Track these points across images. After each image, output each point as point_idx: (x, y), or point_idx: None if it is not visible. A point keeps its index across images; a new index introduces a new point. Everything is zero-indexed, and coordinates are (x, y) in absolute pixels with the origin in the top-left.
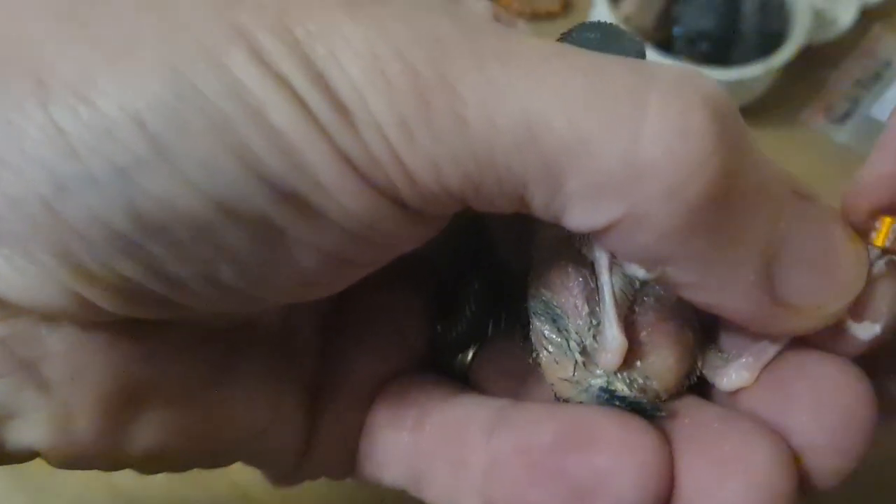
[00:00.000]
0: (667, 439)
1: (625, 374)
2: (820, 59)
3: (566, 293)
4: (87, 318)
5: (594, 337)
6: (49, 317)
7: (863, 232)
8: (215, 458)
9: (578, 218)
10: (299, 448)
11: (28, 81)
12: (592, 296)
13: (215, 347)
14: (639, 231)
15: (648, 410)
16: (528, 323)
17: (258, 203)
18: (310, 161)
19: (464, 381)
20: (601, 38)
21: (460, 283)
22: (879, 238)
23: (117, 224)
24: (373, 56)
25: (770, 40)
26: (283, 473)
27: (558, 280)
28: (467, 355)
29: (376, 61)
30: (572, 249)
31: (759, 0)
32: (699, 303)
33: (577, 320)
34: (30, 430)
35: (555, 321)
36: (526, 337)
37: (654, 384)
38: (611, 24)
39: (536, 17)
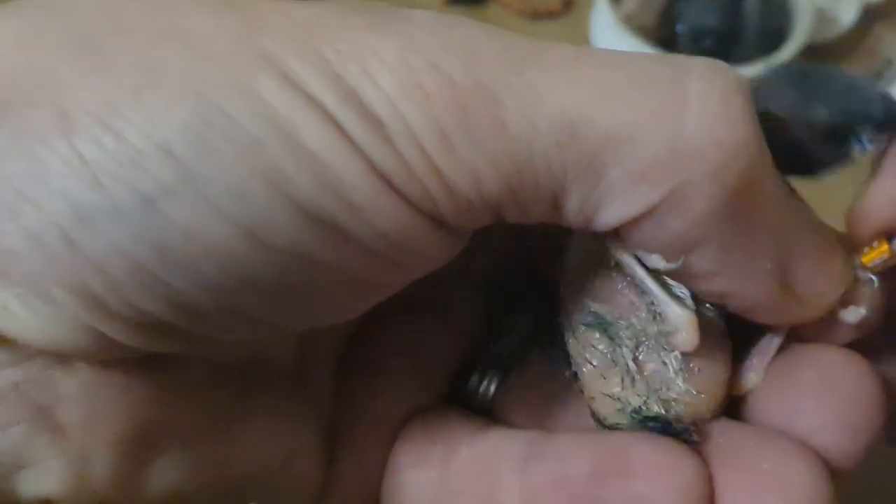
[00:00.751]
0: (704, 461)
1: (662, 398)
2: (821, 58)
3: (617, 296)
4: (103, 356)
5: (659, 324)
6: (63, 358)
7: (858, 246)
8: (229, 499)
9: (615, 209)
10: (317, 487)
11: (51, 114)
12: (643, 293)
13: (228, 385)
14: (675, 216)
15: (682, 434)
16: (560, 342)
17: (289, 230)
18: (344, 180)
19: (486, 415)
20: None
21: (510, 301)
22: (868, 257)
23: (141, 257)
24: (407, 69)
25: (771, 39)
26: None
27: (604, 286)
28: (490, 388)
29: (411, 74)
30: (606, 259)
31: None
32: (712, 293)
33: (637, 314)
34: (44, 479)
35: (606, 330)
36: (554, 357)
37: (692, 408)
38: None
39: (537, 15)
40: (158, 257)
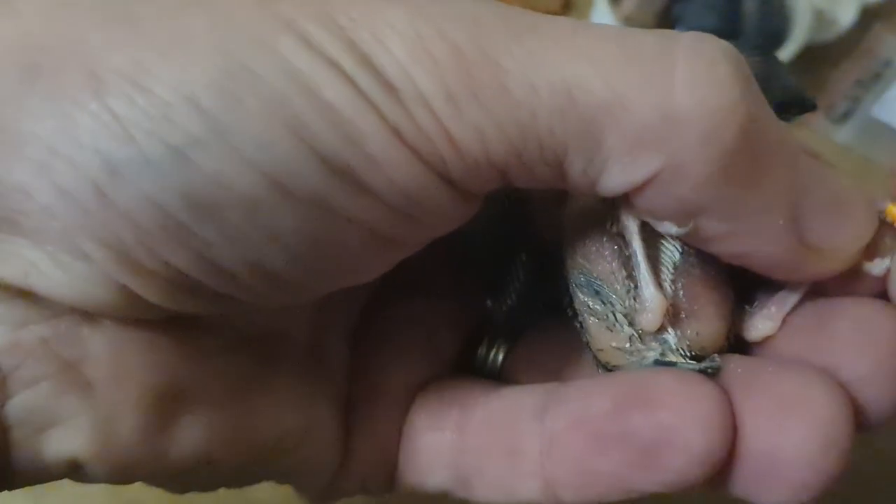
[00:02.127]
0: (722, 388)
1: (677, 342)
2: (820, 59)
3: (601, 261)
4: (131, 314)
5: (634, 299)
6: (91, 316)
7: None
8: (249, 472)
9: (617, 177)
10: (334, 461)
11: (81, 74)
12: (628, 262)
13: (250, 354)
14: (676, 182)
15: (705, 371)
16: (570, 297)
17: (312, 179)
18: (362, 134)
19: (499, 380)
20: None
21: (506, 259)
22: (892, 209)
23: (171, 207)
24: (417, 37)
25: (770, 40)
26: (320, 489)
27: (593, 248)
28: (499, 354)
29: (421, 41)
30: (602, 220)
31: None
32: (730, 254)
33: (615, 285)
34: (72, 437)
35: (597, 292)
36: (571, 310)
37: (704, 348)
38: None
39: None
40: (188, 207)
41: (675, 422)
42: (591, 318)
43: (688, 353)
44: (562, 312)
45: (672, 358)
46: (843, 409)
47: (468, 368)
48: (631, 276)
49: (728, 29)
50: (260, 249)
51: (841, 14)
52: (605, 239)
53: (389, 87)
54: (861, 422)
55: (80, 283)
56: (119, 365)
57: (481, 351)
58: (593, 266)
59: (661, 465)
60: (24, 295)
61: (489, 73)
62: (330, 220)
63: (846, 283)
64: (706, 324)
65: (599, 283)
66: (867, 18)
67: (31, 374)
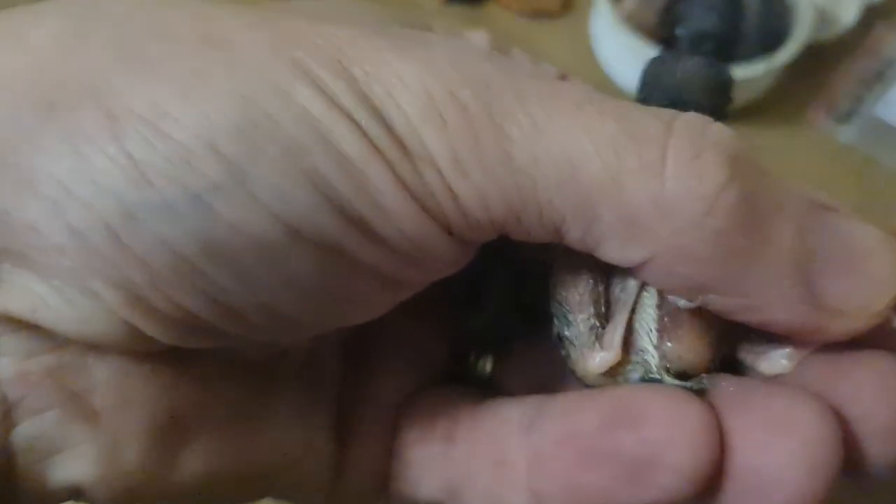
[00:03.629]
0: (711, 405)
1: (658, 363)
2: (823, 58)
3: (574, 291)
4: (136, 348)
5: (595, 337)
6: (96, 346)
7: None
8: (250, 492)
9: (615, 252)
10: (330, 476)
11: (98, 115)
12: (599, 298)
13: (251, 378)
14: (674, 262)
15: (690, 388)
16: (552, 321)
17: (327, 227)
18: (375, 187)
19: (488, 390)
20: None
21: (485, 278)
22: None
23: (186, 251)
24: (428, 96)
25: (773, 39)
26: (315, 502)
27: (570, 278)
28: (487, 363)
29: (431, 101)
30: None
31: None
32: (751, 323)
33: (578, 315)
34: (77, 465)
35: (568, 320)
36: (555, 337)
37: (685, 372)
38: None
39: (536, 15)
40: (203, 252)
41: (662, 439)
42: (569, 344)
43: (666, 372)
44: (543, 324)
45: (656, 376)
46: (833, 432)
47: (460, 378)
48: (599, 314)
49: (729, 29)
50: (272, 293)
51: (843, 13)
52: (583, 271)
53: (400, 144)
54: (862, 469)
55: (87, 320)
56: (124, 394)
57: (470, 361)
58: (568, 296)
59: (649, 482)
60: (31, 327)
61: (495, 140)
62: (342, 264)
63: (875, 336)
64: (688, 349)
65: (568, 310)
66: (869, 17)
67: (38, 404)
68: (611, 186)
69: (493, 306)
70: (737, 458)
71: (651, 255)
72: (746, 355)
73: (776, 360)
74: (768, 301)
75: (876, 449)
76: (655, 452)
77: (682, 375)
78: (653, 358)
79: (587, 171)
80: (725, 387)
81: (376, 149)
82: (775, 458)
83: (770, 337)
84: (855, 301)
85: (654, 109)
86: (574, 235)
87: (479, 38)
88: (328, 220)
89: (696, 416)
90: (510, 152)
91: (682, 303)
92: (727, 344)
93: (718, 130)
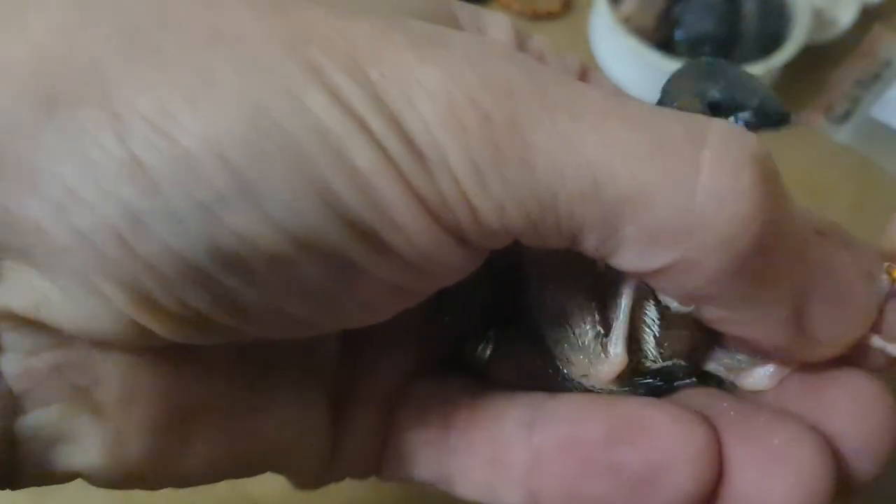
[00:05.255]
0: (715, 430)
1: (659, 361)
2: (820, 59)
3: (572, 300)
4: (140, 344)
5: (601, 346)
6: (100, 343)
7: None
8: (250, 470)
9: (630, 261)
10: (326, 455)
11: (102, 114)
12: (596, 304)
13: (251, 364)
14: (688, 275)
15: (682, 379)
16: (540, 327)
17: (335, 239)
18: (387, 201)
19: (484, 378)
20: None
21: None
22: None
23: (194, 258)
24: (447, 101)
25: (770, 40)
26: (309, 479)
27: (565, 286)
28: (486, 350)
29: (451, 106)
30: (583, 259)
31: (760, 0)
32: (730, 333)
33: (583, 325)
34: (81, 454)
35: (568, 328)
36: (540, 340)
37: (676, 352)
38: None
39: (537, 16)
40: (212, 258)
41: (665, 459)
42: (570, 351)
43: (660, 358)
44: (522, 321)
45: (647, 364)
46: (828, 466)
47: (455, 365)
48: (605, 320)
49: (727, 32)
50: (281, 297)
51: (841, 14)
52: (578, 278)
53: (416, 153)
54: (842, 486)
55: (92, 317)
56: (128, 388)
57: (469, 347)
58: (568, 302)
59: (648, 498)
60: (35, 323)
61: (516, 149)
62: (350, 274)
63: (853, 357)
64: (681, 347)
65: (570, 321)
66: (867, 19)
67: (43, 397)
68: (638, 199)
69: (468, 303)
70: (734, 484)
71: (665, 266)
72: (719, 368)
73: (759, 378)
74: (760, 320)
75: (854, 467)
76: (657, 470)
77: (674, 376)
78: (653, 359)
79: (614, 184)
80: (726, 408)
81: (390, 160)
82: (773, 489)
83: (751, 353)
84: (836, 332)
85: (680, 115)
86: (590, 244)
87: (501, 23)
88: (337, 233)
89: (699, 438)
90: (532, 162)
91: (675, 305)
92: (712, 342)
93: (754, 143)
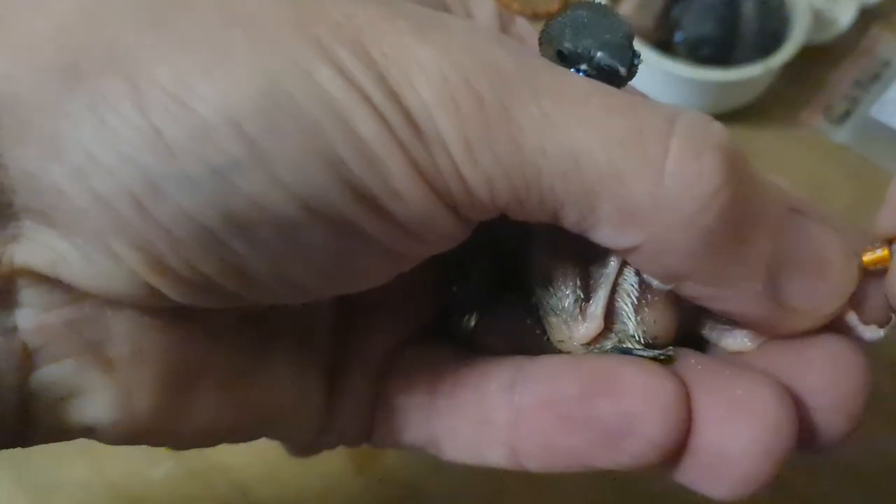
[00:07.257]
0: (684, 383)
1: (635, 327)
2: (819, 60)
3: (558, 266)
4: (151, 305)
5: (580, 308)
6: (113, 301)
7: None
8: (247, 434)
9: (606, 238)
10: (320, 422)
11: (123, 84)
12: (581, 273)
13: (252, 330)
14: (660, 253)
15: (658, 358)
16: (534, 292)
17: (340, 204)
18: (388, 168)
19: (471, 346)
20: (591, 17)
21: (471, 249)
22: (869, 258)
23: (207, 222)
24: (443, 80)
25: (769, 40)
26: (304, 445)
27: (553, 255)
28: (471, 319)
29: (446, 85)
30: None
31: (759, 0)
32: (712, 307)
33: (562, 289)
34: (93, 408)
35: (551, 293)
36: (533, 306)
37: (658, 337)
38: (600, 4)
39: (536, 16)
40: (223, 223)
41: (637, 410)
42: (551, 314)
43: (642, 340)
44: (520, 292)
45: (628, 345)
46: (789, 417)
47: (445, 333)
48: (587, 287)
49: (726, 33)
50: (285, 262)
51: (840, 14)
52: (566, 248)
53: (414, 126)
54: (811, 443)
55: (106, 277)
56: (138, 346)
57: (455, 316)
58: (553, 268)
59: (621, 448)
60: (51, 280)
61: (505, 128)
62: (352, 239)
63: (830, 326)
64: (661, 314)
65: (554, 285)
66: (866, 19)
67: (56, 352)
68: (612, 180)
69: (477, 275)
70: (701, 435)
71: (640, 243)
72: (710, 332)
73: (739, 339)
74: (736, 294)
75: (826, 424)
76: (630, 422)
77: (652, 345)
78: (629, 330)
79: (592, 165)
80: (694, 364)
81: (391, 131)
82: (736, 438)
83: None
84: (813, 303)
85: (654, 104)
86: (571, 220)
87: (485, 6)
88: (342, 198)
89: (669, 391)
90: (519, 142)
91: (656, 283)
92: (692, 317)
93: (718, 131)
